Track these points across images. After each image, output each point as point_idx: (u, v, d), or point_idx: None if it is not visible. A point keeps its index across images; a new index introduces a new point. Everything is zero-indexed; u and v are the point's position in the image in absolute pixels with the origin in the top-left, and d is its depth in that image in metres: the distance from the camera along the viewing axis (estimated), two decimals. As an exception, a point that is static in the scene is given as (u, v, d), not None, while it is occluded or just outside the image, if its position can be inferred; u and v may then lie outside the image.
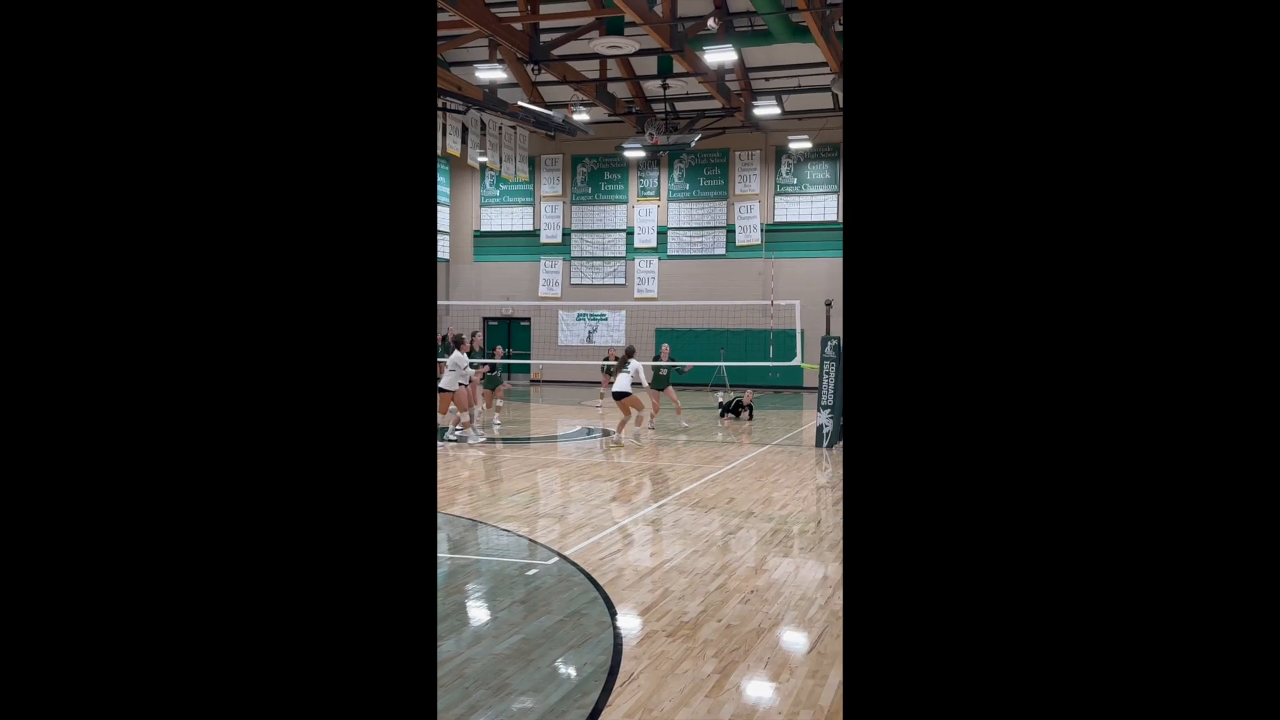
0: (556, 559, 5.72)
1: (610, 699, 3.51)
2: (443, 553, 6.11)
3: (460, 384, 11.03)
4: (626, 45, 14.38)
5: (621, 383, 11.35)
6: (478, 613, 4.72)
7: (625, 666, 3.86)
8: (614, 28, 14.51)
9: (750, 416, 14.23)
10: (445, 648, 4.06)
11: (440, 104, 16.64)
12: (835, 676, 3.79)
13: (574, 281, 23.13)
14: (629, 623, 4.49)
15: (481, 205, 24.11)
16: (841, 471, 9.63)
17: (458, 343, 11.81)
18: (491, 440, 11.63)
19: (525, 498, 7.91)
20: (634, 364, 11.48)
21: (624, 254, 22.79)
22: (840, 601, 4.87)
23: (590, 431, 12.80)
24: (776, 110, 18.46)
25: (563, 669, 3.84)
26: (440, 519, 6.99)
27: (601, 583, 5.15)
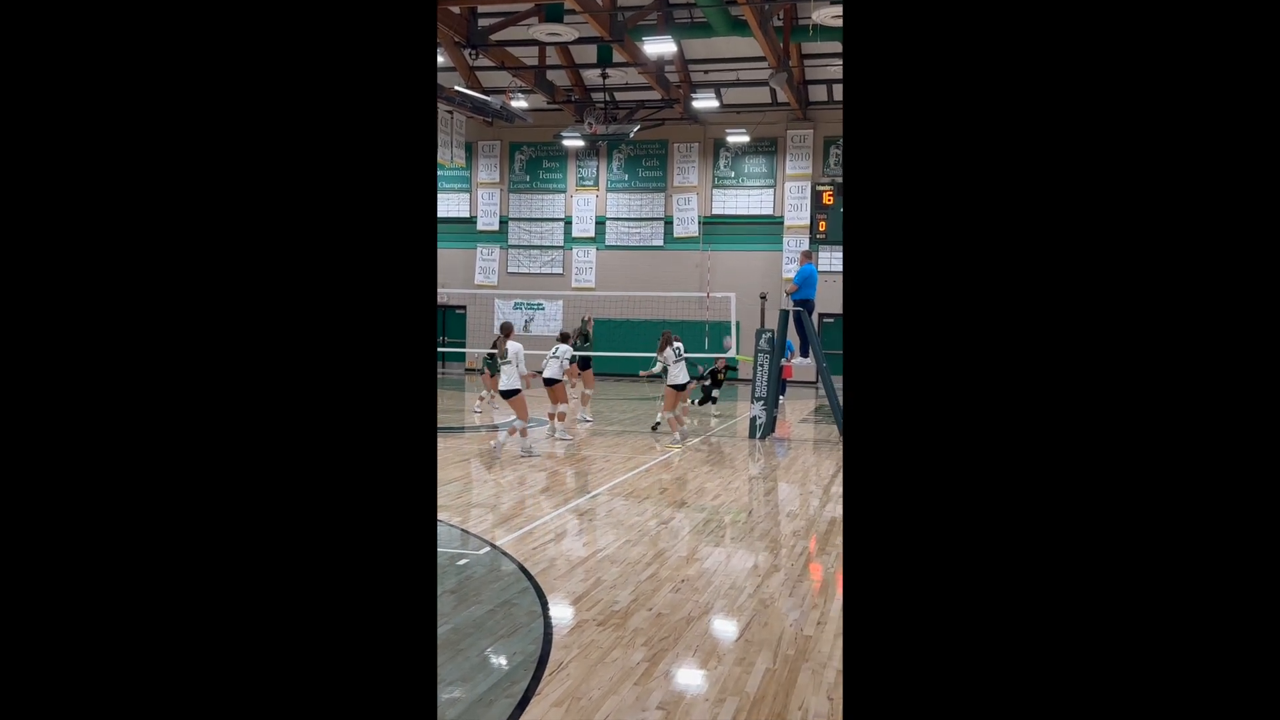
0: (488, 549, 5.69)
1: (539, 688, 3.51)
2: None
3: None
4: (566, 33, 14.28)
5: (551, 369, 10.70)
6: (407, 603, 4.67)
7: (555, 655, 3.86)
8: (553, 15, 14.40)
9: (718, 384, 13.62)
10: (372, 639, 4.01)
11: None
12: (762, 663, 3.85)
13: (511, 270, 22.94)
14: (560, 612, 4.49)
15: (417, 191, 23.71)
16: (774, 463, 9.78)
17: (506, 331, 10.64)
18: None
19: (458, 487, 7.84)
20: (564, 348, 10.82)
21: (562, 243, 22.69)
22: (769, 590, 4.94)
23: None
24: (715, 103, 18.56)
25: (492, 659, 3.83)
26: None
27: (533, 572, 5.14)
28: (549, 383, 10.65)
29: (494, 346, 10.12)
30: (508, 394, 9.56)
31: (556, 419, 10.88)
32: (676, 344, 11.03)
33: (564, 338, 11.25)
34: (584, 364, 13.57)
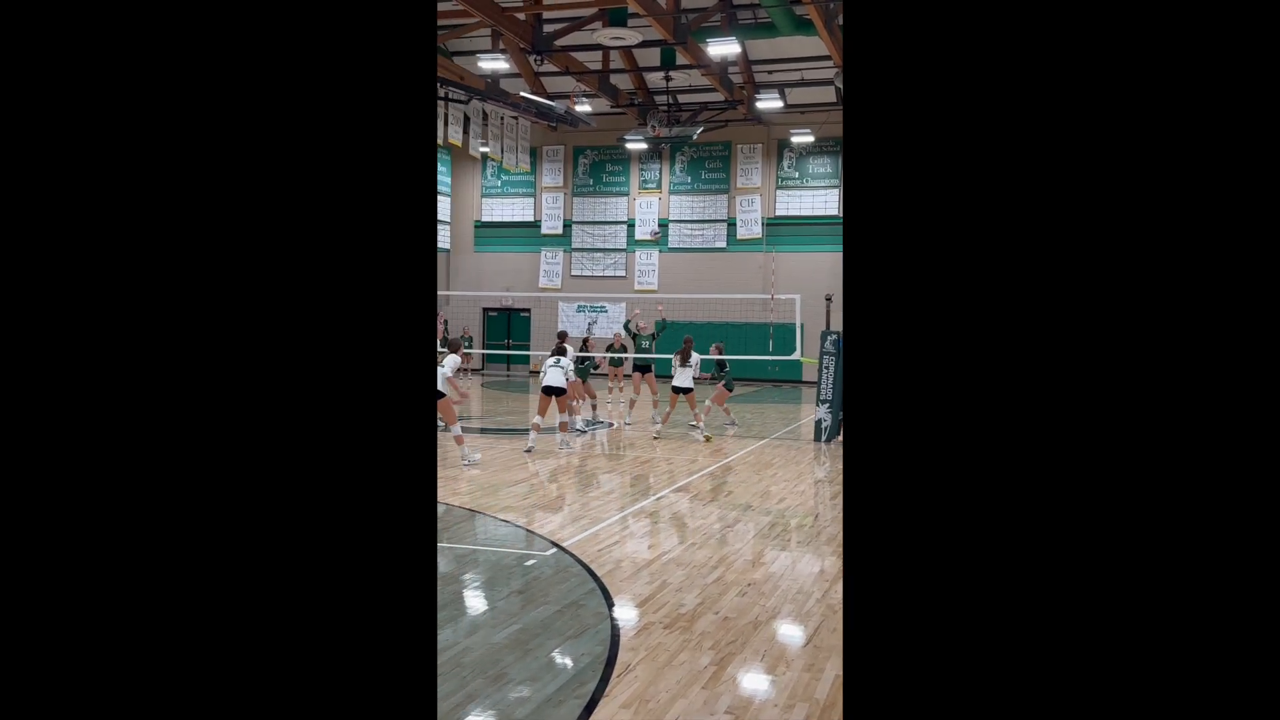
0: (554, 550, 5.73)
1: (607, 689, 3.52)
2: (441, 543, 6.12)
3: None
4: (629, 36, 14.33)
5: (554, 377, 9.95)
6: (475, 602, 4.74)
7: (622, 657, 3.87)
8: (617, 19, 14.46)
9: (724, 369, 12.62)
10: (443, 637, 4.07)
11: (442, 94, 16.59)
12: (831, 670, 3.80)
13: (574, 273, 23.11)
14: (626, 614, 4.51)
15: (483, 196, 24.07)
16: (840, 466, 9.65)
17: (561, 338, 10.49)
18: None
19: (524, 489, 7.92)
20: (565, 360, 10.12)
21: (625, 246, 22.77)
22: (837, 595, 4.88)
23: (589, 423, 12.80)
24: (779, 103, 18.43)
25: (560, 659, 3.85)
26: (439, 509, 7.00)
27: (599, 574, 5.16)
28: (552, 392, 9.93)
29: (559, 351, 10.23)
30: (556, 391, 9.93)
31: (561, 429, 10.21)
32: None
33: (562, 340, 10.71)
34: (643, 368, 13.44)
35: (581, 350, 12.66)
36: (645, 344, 13.39)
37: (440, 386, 8.44)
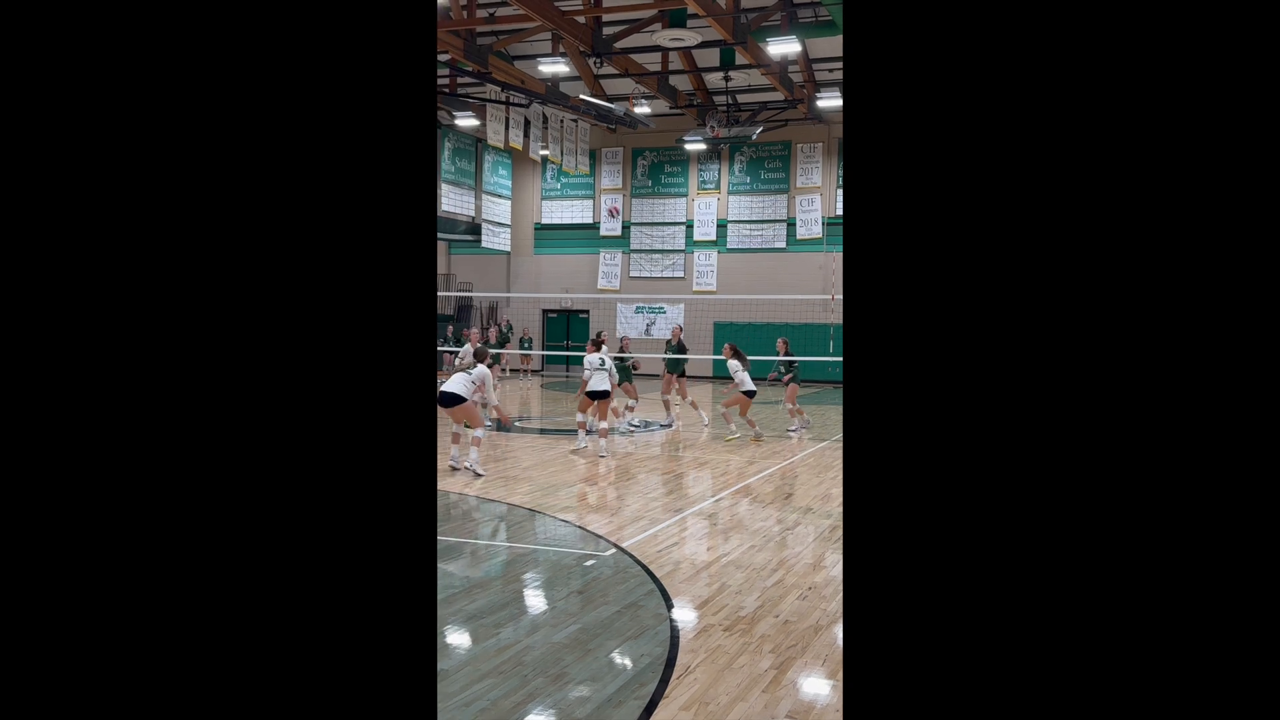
0: (613, 550, 5.75)
1: (667, 691, 3.52)
2: (501, 541, 6.19)
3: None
4: (689, 37, 14.32)
5: (599, 380, 9.89)
6: (535, 602, 4.78)
7: (682, 659, 3.87)
8: (676, 20, 14.46)
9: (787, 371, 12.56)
10: (505, 635, 4.12)
11: (504, 98, 16.79)
12: (894, 676, 3.74)
13: (633, 274, 23.17)
14: (685, 616, 4.50)
15: (542, 198, 24.29)
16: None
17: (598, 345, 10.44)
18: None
19: (583, 489, 7.96)
20: (597, 358, 10.03)
21: (683, 247, 22.76)
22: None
23: (647, 424, 12.82)
24: (840, 102, 18.21)
25: (620, 660, 3.87)
26: (500, 508, 7.08)
27: (658, 575, 5.17)
28: (597, 396, 9.91)
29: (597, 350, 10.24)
30: (601, 395, 9.90)
31: (600, 435, 10.02)
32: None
33: (599, 339, 10.65)
34: (678, 369, 13.45)
35: (619, 352, 12.70)
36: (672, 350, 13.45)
37: (461, 390, 8.21)
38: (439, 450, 8.86)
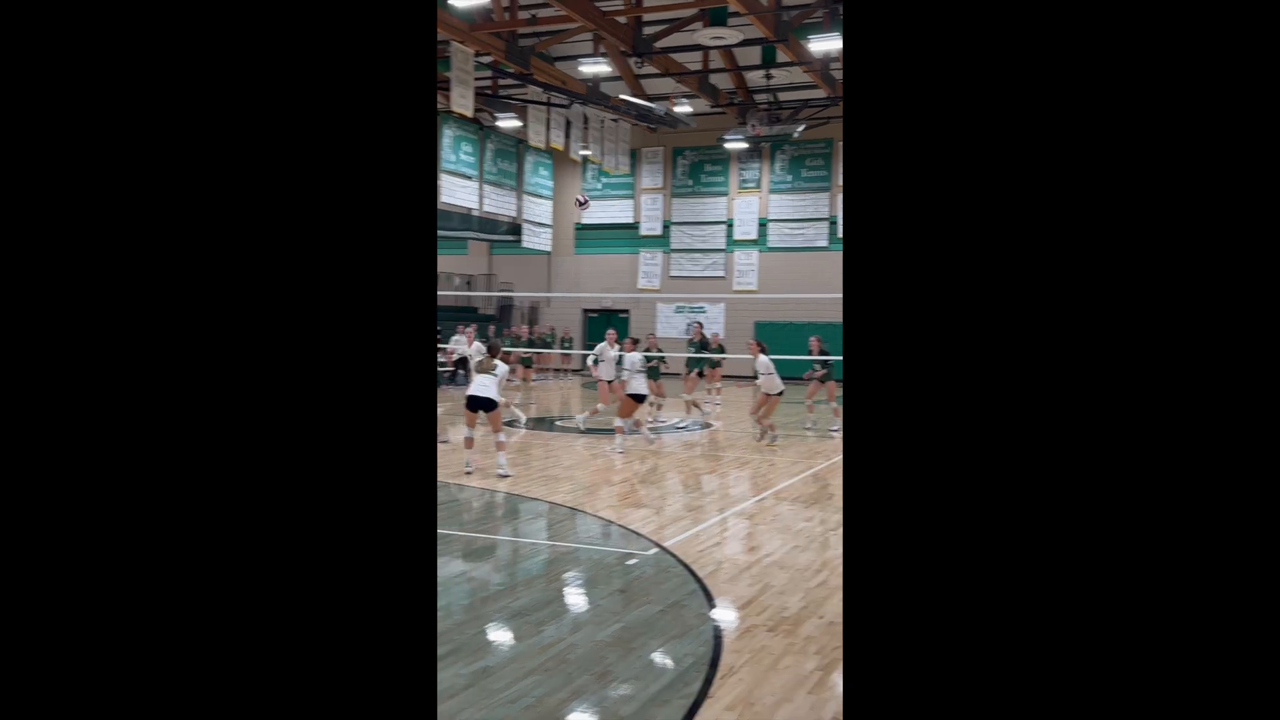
0: (655, 549, 5.74)
1: (711, 691, 3.50)
2: (543, 540, 6.22)
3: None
4: (730, 36, 14.25)
5: (639, 384, 10.12)
6: (578, 600, 4.79)
7: (726, 659, 3.85)
8: (717, 18, 14.40)
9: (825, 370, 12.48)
10: (548, 633, 4.13)
11: (545, 99, 16.87)
12: (942, 680, 3.69)
13: (673, 274, 23.15)
14: (728, 616, 4.48)
15: (583, 198, 24.36)
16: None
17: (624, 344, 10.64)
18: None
19: (624, 489, 7.97)
20: (631, 357, 10.30)
21: (724, 246, 22.68)
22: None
23: (686, 424, 12.79)
24: (883, 99, 17.99)
25: (663, 659, 3.86)
26: (541, 506, 7.11)
27: (700, 575, 5.15)
28: (640, 398, 10.17)
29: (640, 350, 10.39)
30: (640, 398, 10.17)
31: (636, 425, 10.35)
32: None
33: (632, 346, 10.64)
34: (698, 367, 13.42)
35: (646, 350, 12.85)
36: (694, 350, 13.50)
37: (494, 394, 8.15)
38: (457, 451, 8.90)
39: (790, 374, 11.30)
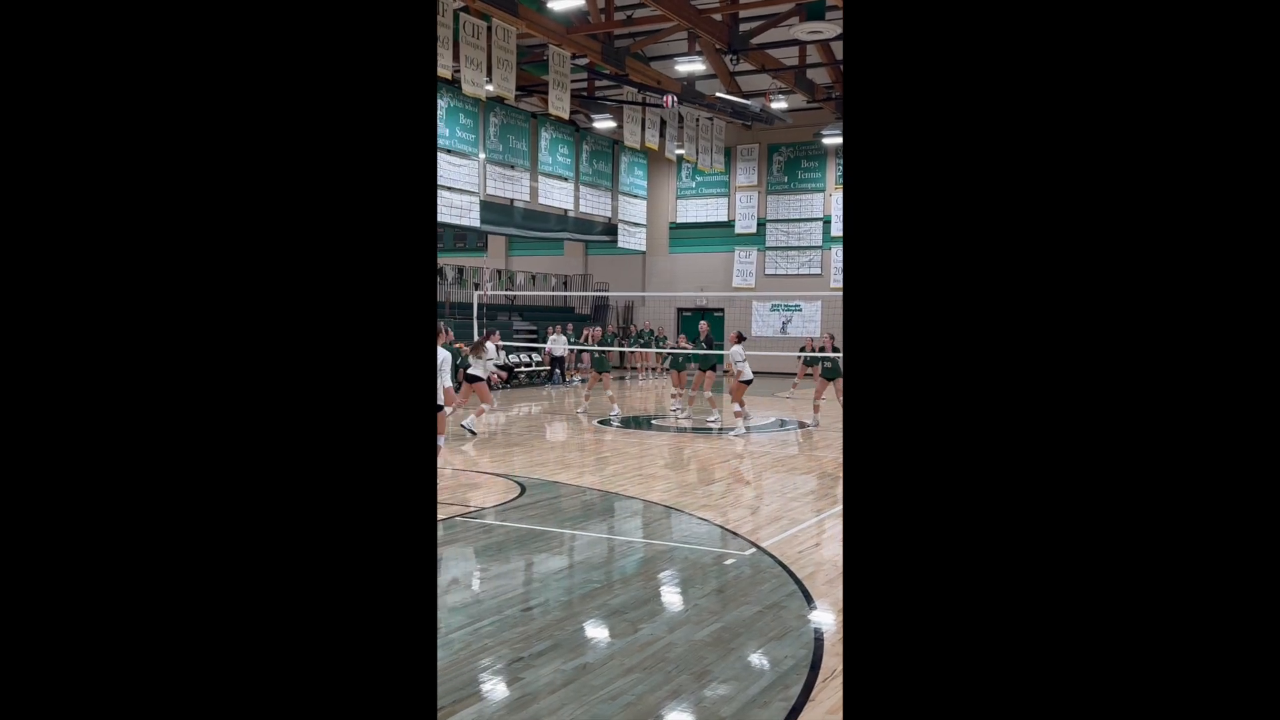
0: (753, 550, 5.70)
1: (813, 694, 3.45)
2: (639, 538, 6.24)
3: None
4: (827, 30, 14.04)
5: (748, 370, 11.50)
6: (675, 599, 4.78)
7: (827, 662, 3.78)
8: (815, 12, 14.20)
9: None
10: (646, 631, 4.14)
11: (640, 98, 16.94)
12: (1056, 692, 3.54)
13: (768, 272, 22.94)
14: (829, 619, 4.40)
15: (678, 197, 24.37)
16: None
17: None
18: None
19: (721, 487, 7.93)
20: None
21: (820, 243, 22.35)
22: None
23: (784, 423, 12.65)
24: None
25: (763, 660, 3.82)
26: (637, 505, 7.14)
27: (799, 576, 5.08)
28: (748, 382, 11.56)
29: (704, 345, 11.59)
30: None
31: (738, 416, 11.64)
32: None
33: (737, 339, 11.79)
34: (709, 366, 13.38)
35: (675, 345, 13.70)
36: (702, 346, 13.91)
37: (478, 372, 10.45)
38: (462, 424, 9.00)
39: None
